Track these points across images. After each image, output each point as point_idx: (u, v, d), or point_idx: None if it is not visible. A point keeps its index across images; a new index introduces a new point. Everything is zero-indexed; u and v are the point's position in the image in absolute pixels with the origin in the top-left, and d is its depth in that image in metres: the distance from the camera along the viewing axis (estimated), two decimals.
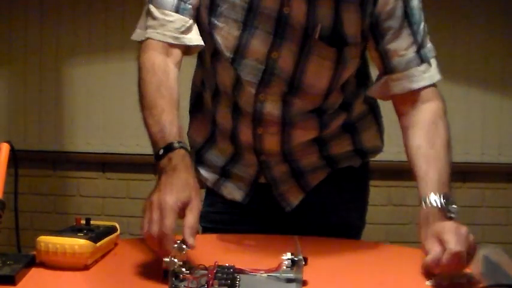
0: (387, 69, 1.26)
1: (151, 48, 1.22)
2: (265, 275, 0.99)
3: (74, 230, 1.11)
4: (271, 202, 1.42)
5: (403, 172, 2.87)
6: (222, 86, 1.34)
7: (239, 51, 1.25)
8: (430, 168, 1.17)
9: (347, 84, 1.34)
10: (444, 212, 1.11)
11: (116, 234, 1.22)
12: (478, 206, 2.90)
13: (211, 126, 1.43)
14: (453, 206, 1.12)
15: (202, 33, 1.29)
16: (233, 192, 1.44)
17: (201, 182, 1.44)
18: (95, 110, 2.93)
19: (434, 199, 1.12)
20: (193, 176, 1.08)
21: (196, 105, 1.47)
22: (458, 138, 2.88)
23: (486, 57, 2.82)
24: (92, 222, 1.18)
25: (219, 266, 0.98)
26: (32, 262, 1.06)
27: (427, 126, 1.25)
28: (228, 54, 1.26)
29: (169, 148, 1.10)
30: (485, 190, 2.90)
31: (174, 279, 0.91)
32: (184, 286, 0.91)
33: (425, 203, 1.12)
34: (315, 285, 1.03)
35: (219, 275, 0.95)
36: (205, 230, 1.46)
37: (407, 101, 1.27)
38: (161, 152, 1.10)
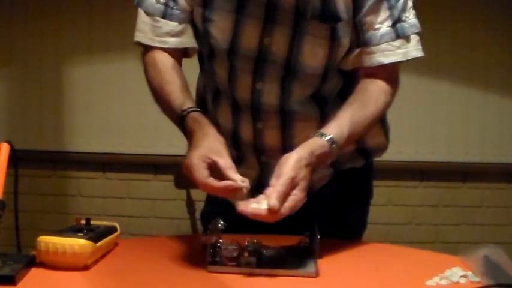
0: (361, 41, 1.25)
1: (154, 49, 1.32)
2: (287, 250, 1.14)
3: (74, 230, 1.11)
4: None
5: (403, 172, 2.87)
6: (220, 84, 1.35)
7: (234, 41, 1.26)
8: (349, 120, 1.20)
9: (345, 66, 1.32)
10: (324, 154, 1.15)
11: (116, 234, 1.22)
12: (478, 206, 2.89)
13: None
14: (330, 159, 1.18)
15: (198, 35, 1.33)
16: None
17: None
18: (95, 110, 2.93)
19: (330, 140, 1.16)
20: (208, 129, 1.16)
21: None
22: (458, 138, 2.89)
23: (486, 58, 2.82)
24: (92, 222, 1.18)
25: (248, 242, 1.12)
26: (32, 262, 1.06)
27: (368, 93, 1.25)
28: (224, 46, 1.27)
29: (182, 119, 1.21)
30: (485, 190, 2.90)
31: (211, 250, 1.08)
32: (219, 256, 1.08)
33: (321, 135, 1.16)
34: (315, 283, 1.03)
35: (249, 248, 1.10)
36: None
37: (368, 71, 1.26)
38: (181, 127, 1.22)
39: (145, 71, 1.35)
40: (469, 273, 1.06)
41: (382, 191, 2.84)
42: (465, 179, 2.90)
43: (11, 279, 0.97)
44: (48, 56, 2.92)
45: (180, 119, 1.22)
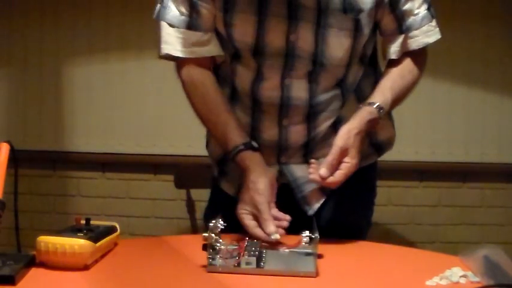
0: (402, 29, 1.34)
1: (185, 62, 1.35)
2: (287, 250, 1.15)
3: (74, 230, 1.11)
4: (292, 206, 1.41)
5: (403, 172, 2.87)
6: (240, 86, 1.37)
7: (258, 42, 1.28)
8: (390, 88, 1.33)
9: (365, 56, 1.39)
10: (373, 119, 1.27)
11: (116, 234, 1.22)
12: (478, 206, 2.89)
13: None
14: (379, 121, 1.30)
15: (221, 38, 1.34)
16: None
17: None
18: (95, 110, 2.93)
19: (377, 106, 1.28)
20: (250, 175, 1.28)
21: None
22: (458, 138, 2.89)
23: (486, 57, 2.82)
24: (92, 222, 1.18)
25: (248, 242, 1.16)
26: (32, 262, 1.06)
27: (404, 65, 1.38)
28: (248, 47, 1.29)
29: (232, 158, 1.33)
30: (485, 190, 2.89)
31: (211, 250, 1.08)
32: (219, 256, 1.08)
33: (369, 104, 1.29)
34: (315, 283, 1.03)
35: (249, 248, 1.12)
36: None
37: (411, 53, 1.37)
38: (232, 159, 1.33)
39: (186, 89, 1.38)
40: (469, 273, 1.06)
41: (382, 191, 2.81)
42: (465, 179, 2.89)
43: (11, 279, 0.97)
44: (48, 56, 2.92)
45: (231, 156, 1.33)
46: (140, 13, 2.71)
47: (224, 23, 1.29)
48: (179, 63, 1.37)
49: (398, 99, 1.35)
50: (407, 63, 1.38)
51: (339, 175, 1.21)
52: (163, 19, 1.32)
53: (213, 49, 1.34)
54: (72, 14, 2.89)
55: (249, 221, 1.24)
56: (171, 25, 1.31)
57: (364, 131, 1.26)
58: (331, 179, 1.22)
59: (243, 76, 1.35)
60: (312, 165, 1.24)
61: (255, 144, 1.33)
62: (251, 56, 1.31)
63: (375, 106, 1.28)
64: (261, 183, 1.26)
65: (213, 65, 1.39)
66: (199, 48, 1.33)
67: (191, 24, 1.30)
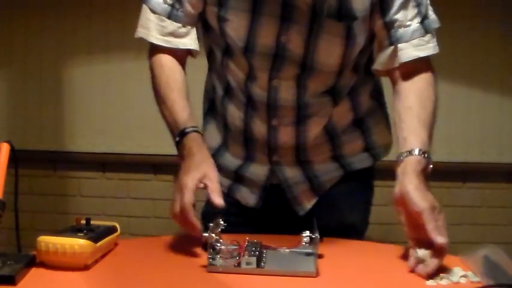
0: (392, 40, 1.28)
1: (159, 49, 1.33)
2: (287, 250, 1.14)
3: (74, 230, 1.11)
4: (284, 206, 1.42)
5: None
6: (233, 82, 1.36)
7: (250, 40, 1.27)
8: (420, 125, 1.22)
9: (359, 65, 1.35)
10: (425, 167, 1.17)
11: (116, 234, 1.22)
12: (478, 206, 2.89)
13: (224, 131, 1.44)
14: (430, 165, 1.19)
15: (213, 33, 1.33)
16: (246, 197, 1.45)
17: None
18: (95, 110, 2.93)
19: (419, 152, 1.18)
20: (206, 153, 1.24)
21: (209, 112, 1.49)
22: (458, 138, 2.89)
23: (486, 57, 2.82)
24: (92, 222, 1.18)
25: (248, 242, 1.15)
26: (32, 262, 1.06)
27: (419, 92, 1.27)
28: (240, 44, 1.28)
29: (182, 134, 1.27)
30: (485, 190, 2.90)
31: (211, 250, 1.07)
32: (220, 256, 1.07)
33: (410, 153, 1.18)
34: (315, 283, 1.04)
35: (249, 248, 1.11)
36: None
37: (406, 69, 1.29)
38: (177, 139, 1.28)
39: (152, 70, 1.36)
40: (469, 273, 1.06)
41: (382, 191, 2.82)
42: (465, 179, 2.90)
43: (11, 279, 0.97)
44: (48, 56, 2.92)
45: (180, 132, 1.27)
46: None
47: (218, 17, 1.29)
48: (154, 48, 1.35)
49: (430, 132, 1.24)
50: (423, 86, 1.28)
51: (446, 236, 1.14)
52: (147, 3, 1.32)
53: (188, 42, 1.33)
54: (73, 15, 2.89)
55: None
56: (152, 11, 1.31)
57: (424, 180, 1.17)
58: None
59: (235, 73, 1.34)
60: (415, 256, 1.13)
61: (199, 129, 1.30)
62: (242, 54, 1.30)
63: (417, 153, 1.18)
64: (210, 161, 1.23)
65: (187, 56, 1.37)
66: (174, 39, 1.32)
67: (171, 14, 1.30)
